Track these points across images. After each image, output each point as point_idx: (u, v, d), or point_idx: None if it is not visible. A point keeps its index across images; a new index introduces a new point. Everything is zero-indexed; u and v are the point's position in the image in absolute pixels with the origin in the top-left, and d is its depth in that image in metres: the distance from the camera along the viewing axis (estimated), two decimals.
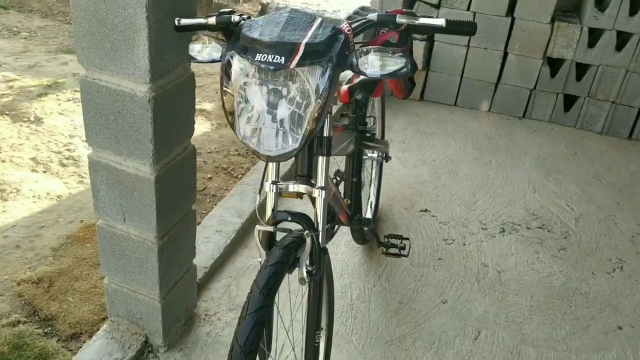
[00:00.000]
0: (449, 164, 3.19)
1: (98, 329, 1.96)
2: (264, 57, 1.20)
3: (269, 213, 1.40)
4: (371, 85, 2.00)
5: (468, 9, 3.48)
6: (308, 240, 1.32)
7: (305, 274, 1.33)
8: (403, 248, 2.19)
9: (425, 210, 2.78)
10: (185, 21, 1.38)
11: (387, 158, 2.36)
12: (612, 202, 3.00)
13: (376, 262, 2.42)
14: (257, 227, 1.36)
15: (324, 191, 1.37)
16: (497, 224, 2.74)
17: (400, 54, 1.20)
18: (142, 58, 1.39)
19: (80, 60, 1.47)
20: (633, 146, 3.56)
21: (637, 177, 3.25)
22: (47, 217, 2.45)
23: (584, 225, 2.79)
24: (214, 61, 1.33)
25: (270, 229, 1.35)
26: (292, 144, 1.25)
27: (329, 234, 2.28)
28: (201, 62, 1.35)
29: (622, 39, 3.37)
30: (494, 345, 2.09)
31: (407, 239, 2.18)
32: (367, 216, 2.47)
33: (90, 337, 1.95)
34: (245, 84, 1.26)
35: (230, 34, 1.34)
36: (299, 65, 1.19)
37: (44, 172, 2.71)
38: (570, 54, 3.45)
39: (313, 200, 1.41)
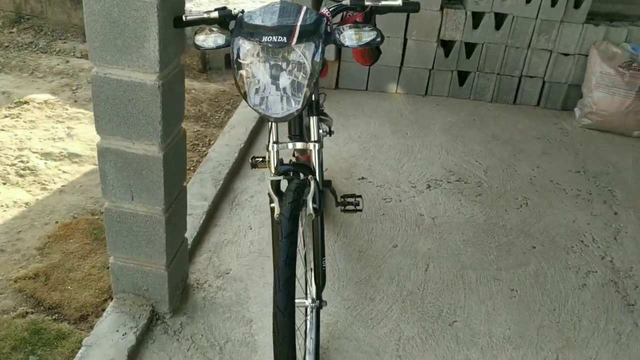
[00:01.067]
0: (373, 139, 3.62)
1: (104, 309, 2.16)
2: (270, 38, 1.53)
3: (273, 166, 1.72)
4: None
5: None
6: (312, 183, 1.66)
7: (312, 210, 1.67)
8: (357, 204, 2.57)
9: (362, 178, 3.19)
10: (190, 17, 1.66)
11: (330, 132, 2.73)
12: (509, 154, 3.58)
13: (332, 224, 2.79)
14: (269, 177, 1.68)
15: (317, 144, 1.72)
16: (423, 182, 3.21)
17: (371, 27, 1.58)
18: (152, 51, 1.66)
19: (92, 59, 1.71)
20: (518, 109, 4.21)
21: (524, 134, 3.87)
22: (21, 222, 2.57)
23: (491, 174, 3.34)
24: (218, 47, 1.64)
25: (280, 178, 1.67)
26: (295, 105, 1.59)
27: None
28: (208, 49, 1.64)
29: (499, 19, 3.99)
30: (442, 273, 2.53)
31: (359, 196, 2.56)
32: None
33: (97, 317, 2.15)
34: (251, 62, 1.58)
35: (226, 25, 1.66)
36: (297, 42, 1.53)
37: (4, 183, 2.80)
38: (459, 36, 4.02)
39: (301, 152, 1.74)
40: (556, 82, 4.15)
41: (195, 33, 1.65)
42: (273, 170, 1.72)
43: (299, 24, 1.54)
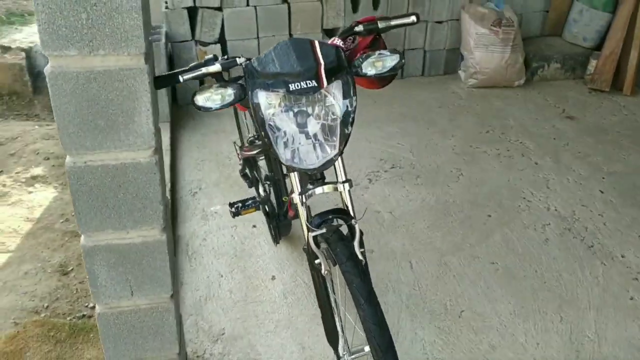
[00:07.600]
0: None
1: None
2: (297, 85, 1.34)
3: (305, 220, 1.54)
4: None
5: (247, 4, 3.75)
6: (356, 227, 1.52)
7: (361, 256, 1.53)
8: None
9: None
10: (188, 75, 1.40)
11: None
12: (423, 129, 3.68)
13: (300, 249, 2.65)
14: (310, 234, 1.50)
15: (347, 183, 1.57)
16: (363, 176, 3.17)
17: (391, 51, 1.46)
18: (145, 124, 1.38)
19: (67, 148, 1.38)
20: (407, 82, 4.32)
21: (425, 105, 3.99)
22: None
23: (418, 154, 3.40)
24: (224, 106, 1.40)
25: (323, 231, 1.51)
26: (331, 151, 1.43)
27: (287, 229, 2.42)
28: (215, 109, 1.40)
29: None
30: (426, 266, 2.53)
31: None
32: None
33: None
34: (273, 114, 1.38)
35: (221, 77, 1.43)
36: (328, 83, 1.36)
37: None
38: (341, 22, 3.99)
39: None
40: (436, 50, 4.32)
41: (195, 92, 1.39)
42: (305, 224, 1.54)
43: (322, 62, 1.37)
